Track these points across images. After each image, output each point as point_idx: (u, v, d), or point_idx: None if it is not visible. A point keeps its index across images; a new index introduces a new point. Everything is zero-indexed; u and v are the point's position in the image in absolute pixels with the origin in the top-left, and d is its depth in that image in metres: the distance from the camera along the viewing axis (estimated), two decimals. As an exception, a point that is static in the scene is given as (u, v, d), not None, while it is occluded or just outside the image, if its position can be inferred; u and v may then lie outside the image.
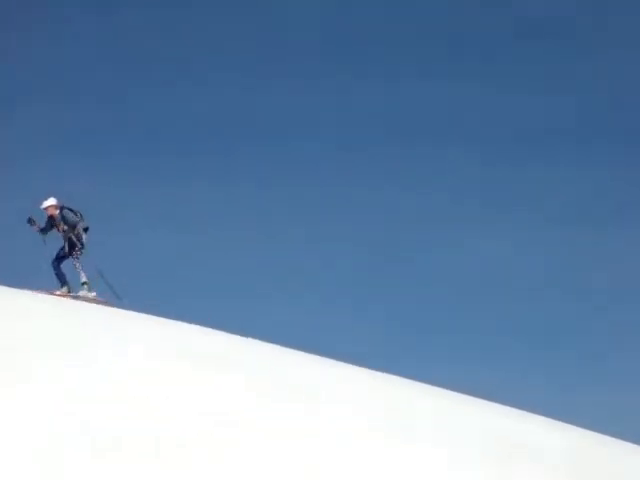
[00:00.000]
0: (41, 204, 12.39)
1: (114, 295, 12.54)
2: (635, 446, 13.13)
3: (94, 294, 12.37)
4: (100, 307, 11.77)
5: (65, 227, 12.04)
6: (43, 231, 12.37)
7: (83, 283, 12.27)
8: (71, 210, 12.24)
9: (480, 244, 42.48)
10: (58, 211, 12.17)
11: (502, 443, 8.41)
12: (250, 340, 11.67)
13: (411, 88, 50.32)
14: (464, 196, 42.22)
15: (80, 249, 12.18)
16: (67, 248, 12.11)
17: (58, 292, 11.98)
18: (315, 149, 47.61)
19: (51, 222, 12.25)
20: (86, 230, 12.29)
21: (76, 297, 12.03)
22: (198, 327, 11.62)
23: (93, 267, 12.52)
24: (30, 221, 12.48)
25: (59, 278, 12.19)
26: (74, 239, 12.08)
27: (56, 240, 12.39)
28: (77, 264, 12.28)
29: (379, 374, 12.57)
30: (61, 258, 12.23)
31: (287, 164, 47.23)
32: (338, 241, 43.67)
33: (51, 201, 12.32)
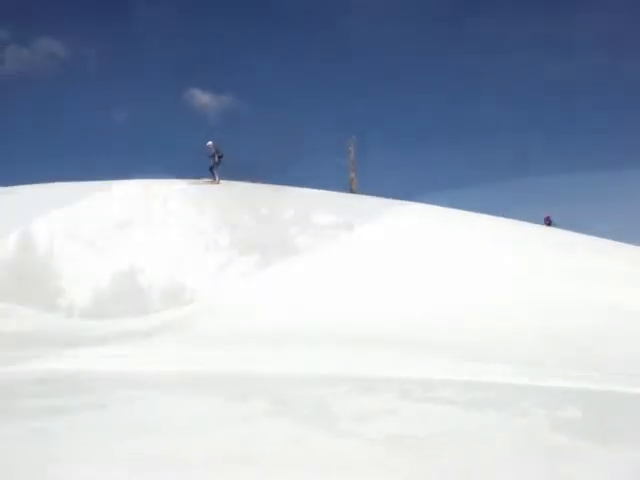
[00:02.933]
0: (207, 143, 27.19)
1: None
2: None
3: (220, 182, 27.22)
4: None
5: (216, 154, 26.84)
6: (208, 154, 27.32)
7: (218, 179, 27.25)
8: (217, 148, 27.15)
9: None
10: (212, 144, 27.02)
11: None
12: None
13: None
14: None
15: (219, 165, 27.05)
16: (214, 164, 26.90)
17: (210, 180, 27.21)
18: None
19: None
20: (221, 157, 26.97)
21: (214, 183, 27.03)
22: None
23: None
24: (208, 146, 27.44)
25: (213, 175, 27.16)
26: (217, 160, 26.76)
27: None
28: (216, 172, 27.06)
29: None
30: (212, 168, 27.10)
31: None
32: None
33: (211, 143, 26.98)
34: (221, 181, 27.22)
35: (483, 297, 14.08)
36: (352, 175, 31.84)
